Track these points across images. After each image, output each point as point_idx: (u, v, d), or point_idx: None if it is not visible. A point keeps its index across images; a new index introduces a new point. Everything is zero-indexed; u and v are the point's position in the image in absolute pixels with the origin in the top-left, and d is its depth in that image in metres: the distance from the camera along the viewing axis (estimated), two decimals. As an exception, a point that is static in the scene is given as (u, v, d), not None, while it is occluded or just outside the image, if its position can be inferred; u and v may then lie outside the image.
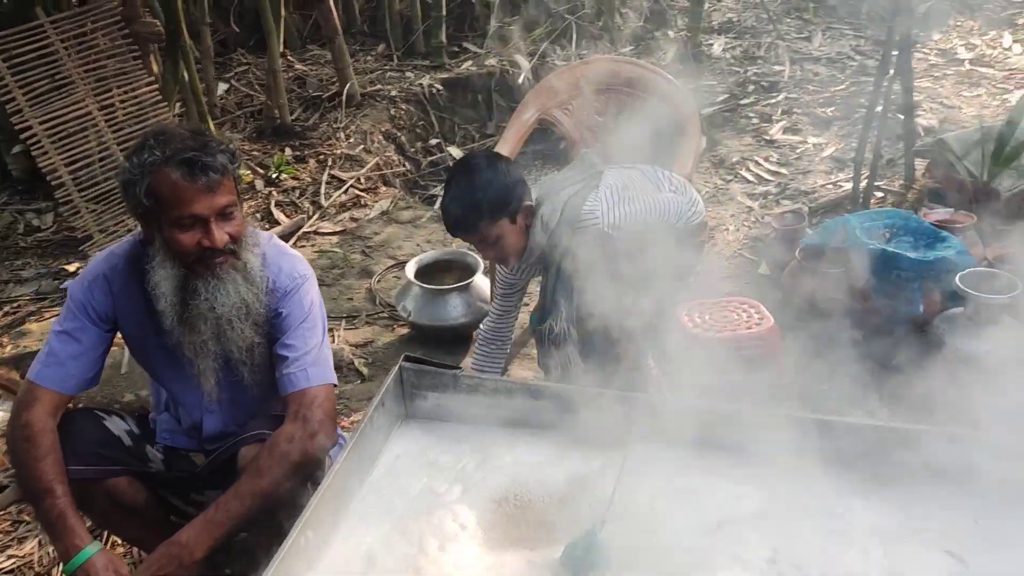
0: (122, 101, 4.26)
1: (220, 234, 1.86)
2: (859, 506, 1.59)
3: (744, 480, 1.63)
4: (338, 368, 2.89)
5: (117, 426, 2.07)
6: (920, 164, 4.44)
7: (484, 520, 1.62)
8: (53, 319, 3.80)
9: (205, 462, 2.08)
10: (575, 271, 2.22)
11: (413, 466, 1.72)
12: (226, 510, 1.79)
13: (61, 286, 3.97)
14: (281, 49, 5.23)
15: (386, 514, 1.66)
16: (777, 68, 5.78)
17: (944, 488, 1.59)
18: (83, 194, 4.10)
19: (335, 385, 1.98)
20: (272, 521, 1.81)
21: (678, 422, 1.64)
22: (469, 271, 3.49)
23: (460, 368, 1.77)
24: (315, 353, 1.96)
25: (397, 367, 1.78)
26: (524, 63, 5.75)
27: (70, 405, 2.01)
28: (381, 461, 1.72)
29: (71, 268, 4.08)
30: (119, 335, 2.05)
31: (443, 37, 5.89)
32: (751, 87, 5.58)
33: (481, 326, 2.83)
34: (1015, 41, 6.12)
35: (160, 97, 4.37)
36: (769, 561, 1.50)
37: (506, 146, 3.09)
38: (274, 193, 4.67)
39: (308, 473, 1.87)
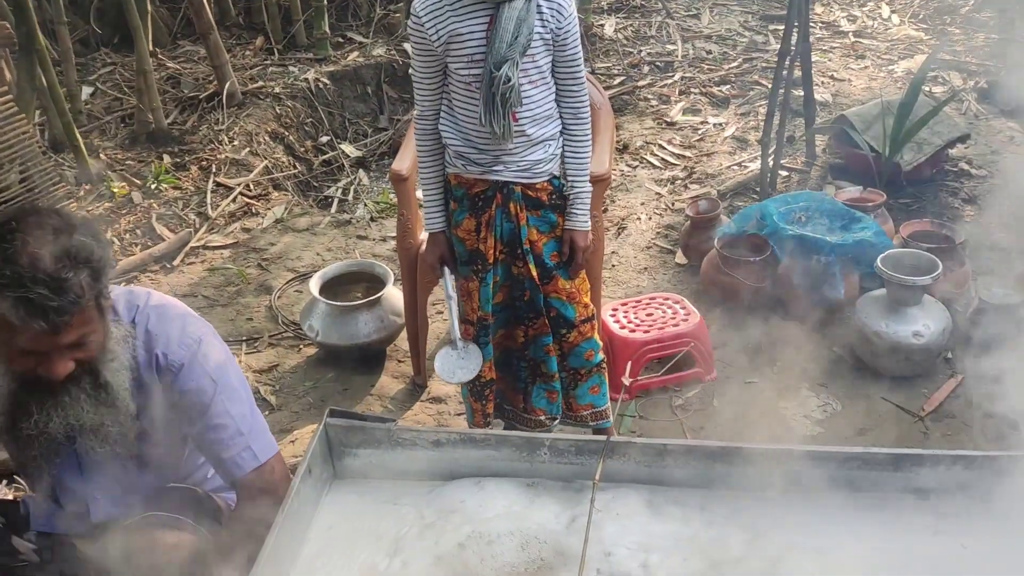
0: (-28, 115, 3.80)
1: (64, 365, 1.50)
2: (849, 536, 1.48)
3: (729, 519, 1.50)
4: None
5: None
6: (820, 140, 4.46)
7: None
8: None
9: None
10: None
11: (348, 537, 1.51)
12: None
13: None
14: (150, 47, 4.81)
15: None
16: (670, 47, 5.73)
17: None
18: (-67, 222, 3.65)
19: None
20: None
21: (648, 462, 1.50)
22: (378, 283, 3.27)
23: (393, 421, 1.57)
24: (249, 421, 1.69)
25: (322, 425, 1.56)
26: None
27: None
28: (311, 536, 1.50)
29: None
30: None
31: (326, 28, 5.58)
32: (646, 68, 5.51)
33: (415, 125, 2.36)
34: (892, 12, 6.26)
35: (16, 108, 3.92)
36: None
37: (406, 160, 2.86)
38: (154, 206, 4.31)
39: None
